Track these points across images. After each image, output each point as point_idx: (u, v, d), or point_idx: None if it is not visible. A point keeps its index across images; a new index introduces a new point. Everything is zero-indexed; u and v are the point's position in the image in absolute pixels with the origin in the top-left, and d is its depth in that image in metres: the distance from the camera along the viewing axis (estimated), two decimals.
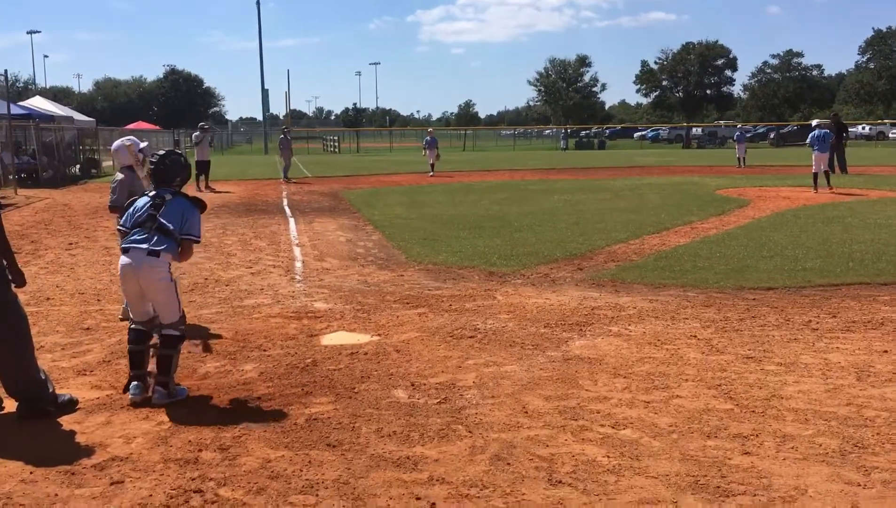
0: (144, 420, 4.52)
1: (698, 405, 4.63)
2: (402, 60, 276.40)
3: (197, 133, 24.24)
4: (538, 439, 4.16)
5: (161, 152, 5.19)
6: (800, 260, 9.34)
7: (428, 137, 30.35)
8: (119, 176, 6.81)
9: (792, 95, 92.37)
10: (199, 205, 5.08)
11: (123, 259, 4.84)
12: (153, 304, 4.92)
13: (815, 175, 18.85)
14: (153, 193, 4.99)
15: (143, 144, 6.88)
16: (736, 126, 49.59)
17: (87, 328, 6.66)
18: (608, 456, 3.92)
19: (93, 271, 9.40)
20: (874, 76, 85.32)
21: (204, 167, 22.57)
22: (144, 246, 4.77)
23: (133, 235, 4.85)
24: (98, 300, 7.75)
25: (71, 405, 4.71)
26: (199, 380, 5.22)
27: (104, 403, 4.82)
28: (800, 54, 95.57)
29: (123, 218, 5.04)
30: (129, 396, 4.81)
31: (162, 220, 4.83)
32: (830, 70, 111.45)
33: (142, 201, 4.98)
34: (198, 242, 5.04)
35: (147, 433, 4.31)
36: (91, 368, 5.55)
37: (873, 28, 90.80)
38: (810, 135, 19.57)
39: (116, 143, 6.95)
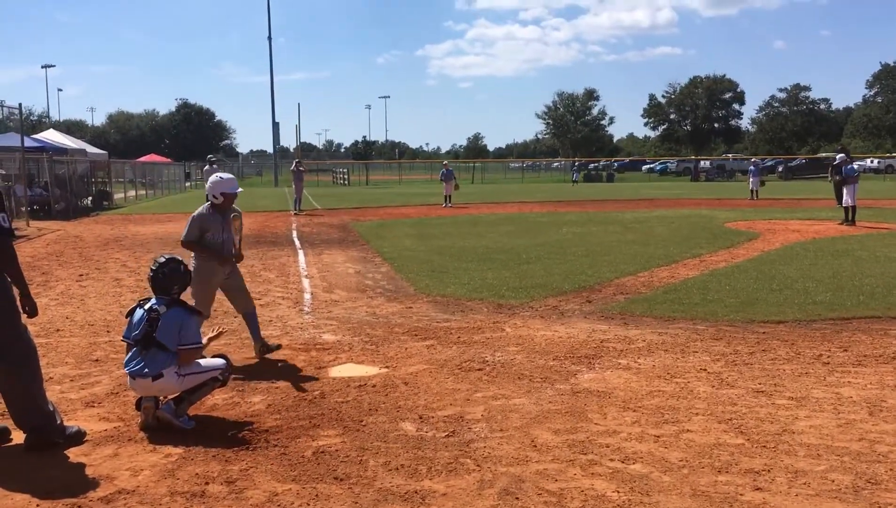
0: (152, 453, 4.51)
1: (709, 440, 4.59)
2: (411, 94, 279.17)
3: (206, 167, 24.50)
4: (547, 473, 4.13)
5: (161, 260, 5.20)
6: (810, 293, 9.30)
7: (444, 170, 30.72)
8: (200, 209, 6.49)
9: (800, 128, 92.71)
10: (196, 312, 5.17)
11: (132, 383, 4.96)
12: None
13: (854, 208, 18.81)
14: (148, 305, 5.03)
15: (216, 179, 6.50)
16: (749, 159, 49.94)
17: (96, 360, 6.68)
18: (618, 491, 3.88)
19: (103, 303, 9.44)
20: (882, 110, 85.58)
21: None
22: (147, 371, 4.85)
23: (132, 359, 4.92)
24: (107, 332, 7.78)
25: (79, 437, 4.71)
26: (207, 412, 5.21)
27: (112, 435, 4.82)
28: (807, 88, 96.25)
29: (125, 329, 5.11)
30: (143, 402, 4.88)
31: (158, 338, 4.90)
32: (838, 104, 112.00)
33: (138, 316, 5.01)
34: (199, 347, 5.05)
35: (154, 466, 4.30)
36: (99, 400, 5.56)
37: (881, 62, 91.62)
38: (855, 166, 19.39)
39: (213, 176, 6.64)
